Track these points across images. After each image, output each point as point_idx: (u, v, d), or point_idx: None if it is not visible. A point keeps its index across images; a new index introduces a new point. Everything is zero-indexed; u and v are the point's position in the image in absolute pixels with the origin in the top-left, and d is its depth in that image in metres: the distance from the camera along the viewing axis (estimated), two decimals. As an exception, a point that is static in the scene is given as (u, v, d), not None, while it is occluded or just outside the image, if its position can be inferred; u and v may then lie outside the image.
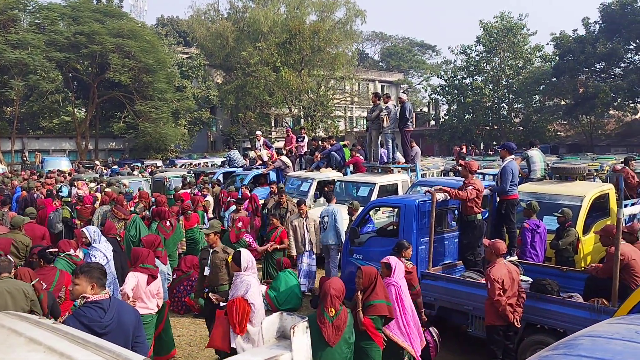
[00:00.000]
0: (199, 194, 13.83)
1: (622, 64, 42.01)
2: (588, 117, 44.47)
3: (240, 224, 9.07)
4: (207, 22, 47.19)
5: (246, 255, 5.81)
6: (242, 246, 8.78)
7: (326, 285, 5.23)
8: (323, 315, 5.10)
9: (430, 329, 6.68)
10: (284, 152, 17.18)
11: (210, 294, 6.69)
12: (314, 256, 10.17)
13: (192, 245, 10.81)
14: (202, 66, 49.51)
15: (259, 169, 16.68)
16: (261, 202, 12.86)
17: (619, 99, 40.67)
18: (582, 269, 7.68)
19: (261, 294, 5.90)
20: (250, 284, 5.63)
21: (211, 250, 6.84)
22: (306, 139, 18.25)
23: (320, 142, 16.75)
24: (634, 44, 41.04)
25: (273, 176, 16.10)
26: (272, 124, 49.26)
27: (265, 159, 17.22)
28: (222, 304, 6.21)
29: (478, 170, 14.56)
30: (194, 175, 18.33)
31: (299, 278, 9.64)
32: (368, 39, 79.37)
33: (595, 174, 13.20)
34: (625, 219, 8.19)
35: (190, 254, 10.12)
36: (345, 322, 5.11)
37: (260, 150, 18.09)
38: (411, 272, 6.50)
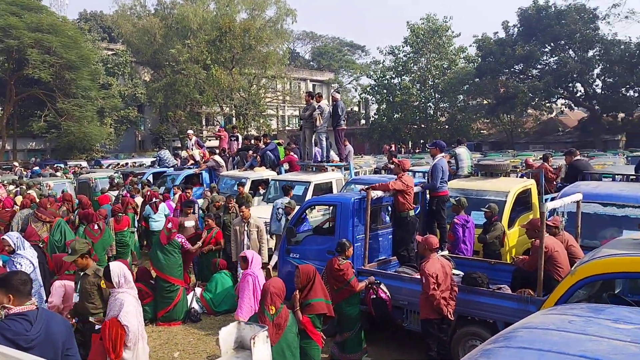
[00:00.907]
0: (128, 195, 13.35)
1: (539, 66, 44.48)
2: (508, 115, 46.76)
3: (170, 225, 8.75)
4: (133, 17, 45.66)
5: (117, 269, 5.32)
6: (175, 248, 8.54)
7: (266, 284, 5.22)
8: (263, 313, 5.08)
9: (382, 286, 6.83)
10: (217, 151, 16.91)
11: (90, 318, 5.83)
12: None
13: (123, 250, 10.42)
14: (129, 63, 47.84)
15: (190, 168, 16.31)
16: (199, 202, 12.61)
17: (536, 99, 43.06)
18: (511, 262, 8.02)
19: (140, 313, 5.45)
20: (123, 302, 5.17)
21: (82, 274, 5.96)
22: (240, 138, 18.06)
23: (253, 141, 16.63)
24: (549, 47, 43.54)
25: (206, 176, 15.80)
26: (203, 122, 48.37)
27: (198, 158, 16.87)
28: (97, 326, 5.65)
29: (410, 169, 14.97)
30: (122, 175, 17.68)
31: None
32: (299, 38, 79.63)
33: (518, 170, 13.90)
34: (547, 213, 8.62)
35: (121, 258, 9.75)
36: (287, 321, 5.10)
37: (192, 149, 17.70)
38: (342, 270, 6.54)
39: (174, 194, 13.08)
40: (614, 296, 5.09)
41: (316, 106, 13.40)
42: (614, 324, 2.52)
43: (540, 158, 14.09)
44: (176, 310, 8.41)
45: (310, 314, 5.51)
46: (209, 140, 41.43)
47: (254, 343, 4.26)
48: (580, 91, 44.21)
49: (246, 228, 9.21)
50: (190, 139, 18.29)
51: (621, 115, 42.92)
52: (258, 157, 15.25)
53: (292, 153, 15.22)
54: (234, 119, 43.44)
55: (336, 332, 6.85)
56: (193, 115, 45.05)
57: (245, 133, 35.56)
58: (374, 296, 6.77)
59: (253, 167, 14.92)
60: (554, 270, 6.30)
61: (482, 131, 51.38)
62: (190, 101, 42.44)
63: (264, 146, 15.73)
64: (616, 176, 9.40)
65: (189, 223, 9.93)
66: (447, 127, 48.64)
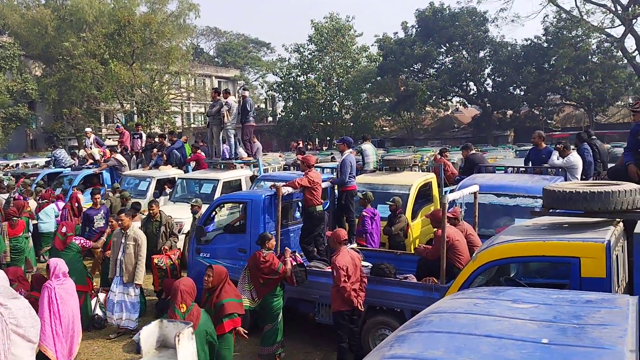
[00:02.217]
0: (21, 197, 12.43)
1: (436, 65, 46.71)
2: (409, 113, 48.75)
3: (64, 229, 8.18)
4: (21, 8, 42.38)
5: None
6: (73, 251, 8.06)
7: (176, 283, 5.14)
8: (174, 312, 4.99)
9: (296, 254, 7.27)
10: (118, 149, 16.19)
11: None
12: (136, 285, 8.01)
13: (17, 256, 9.70)
14: (17, 57, 44.28)
15: (90, 168, 15.48)
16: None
17: (434, 97, 45.23)
18: (414, 251, 8.39)
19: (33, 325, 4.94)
20: None
21: None
22: (144, 136, 17.44)
23: (158, 139, 16.11)
24: (444, 47, 45.87)
25: (107, 176, 15.07)
26: (102, 120, 45.99)
27: (97, 157, 16.04)
28: None
29: (317, 164, 15.22)
30: (12, 177, 16.40)
31: (111, 313, 7.91)
32: (203, 34, 77.90)
33: (418, 164, 14.62)
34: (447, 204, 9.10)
35: (15, 265, 9.07)
36: (199, 318, 5.01)
37: (90, 148, 16.80)
38: (268, 261, 6.66)
39: (72, 196, 12.39)
40: (510, 280, 5.50)
41: (223, 103, 13.24)
42: (513, 304, 2.74)
43: (438, 153, 14.85)
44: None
45: (222, 314, 5.46)
46: (109, 138, 39.46)
47: (178, 340, 4.14)
48: (473, 90, 47.01)
49: (123, 240, 7.88)
50: (89, 137, 17.36)
51: (509, 112, 46.17)
52: (164, 155, 14.81)
53: (199, 151, 14.95)
54: (135, 116, 41.71)
55: (257, 326, 6.90)
56: (91, 113, 42.68)
57: (148, 131, 34.31)
58: (295, 262, 6.99)
59: (158, 166, 14.48)
60: (455, 258, 6.68)
61: (384, 128, 53.14)
62: (87, 97, 40.21)
63: (169, 144, 15.31)
64: (508, 168, 10.11)
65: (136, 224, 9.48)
66: (351, 124, 49.80)
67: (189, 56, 44.86)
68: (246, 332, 5.95)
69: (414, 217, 9.95)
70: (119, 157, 15.47)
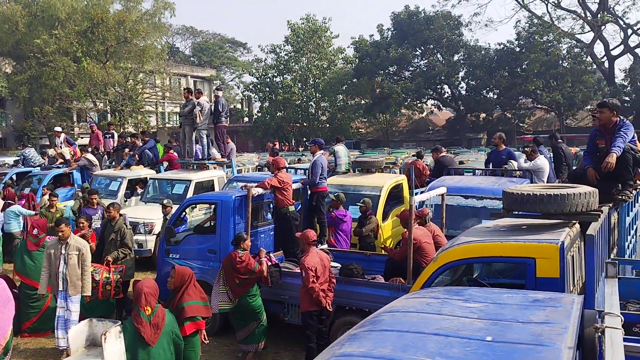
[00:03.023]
0: (-13, 197, 12.20)
1: (411, 68, 47.18)
2: (384, 115, 49.08)
3: (35, 231, 8.03)
4: (-9, 3, 41.45)
5: None
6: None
7: (139, 285, 5.09)
8: (139, 315, 4.93)
9: (271, 255, 7.34)
10: (89, 149, 15.99)
11: None
12: (76, 299, 7.15)
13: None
14: (-14, 53, 43.37)
15: (60, 167, 15.25)
16: (69, 203, 11.87)
17: (409, 99, 45.65)
18: (381, 251, 8.52)
19: None
20: None
21: None
22: (115, 136, 17.23)
23: (129, 139, 15.97)
24: (419, 50, 46.34)
25: (77, 176, 14.86)
26: (75, 119, 45.22)
27: (68, 157, 15.81)
28: None
29: (291, 166, 15.28)
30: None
31: (56, 330, 7.12)
32: (178, 33, 77.13)
33: (392, 166, 14.75)
34: (416, 205, 9.25)
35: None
36: (164, 320, 5.01)
37: (61, 147, 16.55)
38: (244, 261, 6.73)
39: (43, 195, 12.23)
40: (473, 280, 5.64)
41: (196, 103, 13.19)
42: (464, 303, 2.83)
43: (413, 155, 15.03)
44: (44, 319, 7.85)
45: (186, 317, 5.46)
46: (82, 137, 38.83)
47: (104, 339, 4.12)
48: (448, 92, 47.58)
49: (63, 251, 7.10)
50: (59, 137, 17.10)
51: (482, 115, 46.84)
52: (136, 155, 14.69)
53: (172, 151, 14.86)
54: (109, 115, 41.13)
55: (239, 326, 6.94)
56: (63, 111, 41.90)
57: (121, 130, 33.89)
58: (270, 263, 7.08)
59: (130, 166, 14.35)
60: (422, 259, 6.80)
61: (360, 130, 53.42)
62: (59, 96, 39.46)
63: (141, 144, 15.18)
64: (476, 171, 10.32)
65: None
66: (327, 125, 49.95)
67: (164, 55, 44.42)
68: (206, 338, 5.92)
69: (384, 218, 10.06)
70: (90, 156, 15.26)
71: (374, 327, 2.54)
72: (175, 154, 14.69)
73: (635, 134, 6.27)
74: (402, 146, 45.23)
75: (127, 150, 15.22)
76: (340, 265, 7.57)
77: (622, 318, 2.47)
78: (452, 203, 8.85)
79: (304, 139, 49.96)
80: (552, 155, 10.94)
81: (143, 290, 5.00)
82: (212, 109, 13.35)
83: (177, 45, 78.70)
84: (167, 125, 54.79)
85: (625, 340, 3.54)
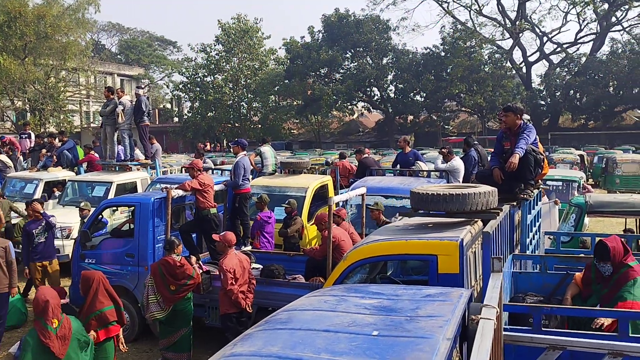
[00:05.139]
0: None
1: (341, 70, 47.83)
2: (316, 116, 49.49)
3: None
4: None
5: None
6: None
7: (41, 297, 4.74)
8: (46, 329, 4.66)
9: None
10: (3, 150, 15.17)
11: None
12: None
13: None
14: None
15: (-32, 170, 14.36)
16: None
17: (340, 101, 46.27)
18: (301, 251, 8.62)
19: None
20: None
21: None
22: (32, 136, 16.44)
23: (47, 139, 15.29)
24: (350, 53, 47.07)
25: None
26: (-11, 118, 42.61)
27: (-22, 158, 14.91)
28: None
29: (216, 167, 15.17)
30: None
31: None
32: (104, 30, 74.24)
33: (324, 167, 14.99)
34: (340, 204, 9.41)
35: None
36: (71, 330, 4.83)
37: (-30, 148, 15.58)
38: (183, 265, 6.60)
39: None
40: (385, 277, 5.82)
41: (118, 102, 12.81)
42: (360, 300, 2.94)
43: (336, 158, 15.29)
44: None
45: (100, 325, 5.32)
46: (-3, 137, 36.58)
47: None
48: (377, 95, 48.60)
49: None
50: (-31, 137, 16.11)
51: (410, 117, 48.21)
52: (53, 156, 14.10)
53: (92, 152, 14.37)
54: (28, 114, 39.05)
55: (167, 333, 6.75)
56: (-24, 110, 39.45)
57: (42, 130, 32.27)
58: (201, 270, 6.98)
59: (47, 167, 13.75)
60: (340, 257, 6.93)
61: (292, 131, 53.57)
62: (-28, 93, 37.11)
63: (60, 144, 14.57)
64: (397, 172, 10.67)
65: None
66: (260, 126, 49.74)
67: (88, 52, 42.68)
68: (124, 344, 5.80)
69: (310, 219, 10.17)
70: (4, 157, 14.50)
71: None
72: (96, 154, 14.22)
73: (537, 137, 6.69)
74: (334, 147, 45.73)
75: (44, 151, 14.59)
76: (261, 266, 7.59)
77: (498, 310, 2.65)
78: (372, 203, 9.08)
79: (236, 140, 49.46)
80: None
81: (49, 302, 4.71)
82: (134, 108, 13.01)
83: (103, 42, 75.87)
84: (92, 125, 52.67)
85: (514, 330, 3.80)
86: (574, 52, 45.72)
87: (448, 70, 43.22)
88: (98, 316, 5.28)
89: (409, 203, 8.65)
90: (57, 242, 10.10)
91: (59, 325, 4.72)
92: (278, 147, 34.30)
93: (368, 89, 47.58)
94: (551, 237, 7.95)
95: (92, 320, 5.24)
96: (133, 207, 8.13)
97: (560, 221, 9.30)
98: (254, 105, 51.19)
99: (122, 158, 13.18)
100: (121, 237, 8.10)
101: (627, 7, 41.29)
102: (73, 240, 10.45)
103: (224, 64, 49.30)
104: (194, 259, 7.09)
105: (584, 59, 44.03)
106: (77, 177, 12.96)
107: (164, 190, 7.90)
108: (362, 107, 51.77)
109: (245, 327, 6.80)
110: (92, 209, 9.26)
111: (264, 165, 12.62)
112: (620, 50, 43.06)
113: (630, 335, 3.90)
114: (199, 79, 49.88)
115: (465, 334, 2.82)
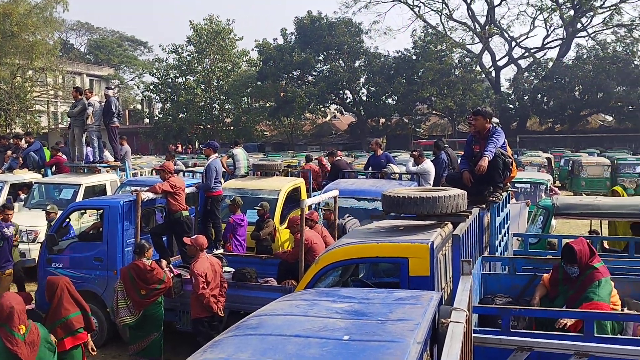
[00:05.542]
0: None
1: (314, 73, 47.94)
2: (289, 118, 49.44)
3: None
4: None
5: None
6: None
7: (6, 303, 4.57)
8: (13, 335, 4.51)
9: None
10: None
11: None
12: None
13: None
14: None
15: None
16: None
17: (312, 104, 46.33)
18: (273, 255, 8.60)
19: None
20: None
21: None
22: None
23: (12, 140, 14.91)
24: (322, 55, 47.19)
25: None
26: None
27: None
28: None
29: (188, 169, 15.03)
30: None
31: None
32: (73, 29, 72.82)
33: (296, 169, 14.95)
34: (312, 207, 9.42)
35: None
36: (39, 335, 4.70)
37: None
38: (154, 269, 6.51)
39: None
40: (357, 280, 5.85)
41: (86, 103, 12.57)
42: (332, 304, 2.94)
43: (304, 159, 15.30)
44: None
45: (67, 332, 5.20)
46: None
47: None
48: (349, 98, 48.77)
49: None
50: None
51: (382, 120, 48.55)
52: (19, 157, 13.78)
53: (60, 153, 14.08)
54: (-6, 114, 38.07)
55: (138, 338, 6.63)
56: (-63, 110, 38.25)
57: (7, 131, 31.46)
58: (173, 274, 6.92)
59: (12, 169, 13.43)
60: (313, 260, 6.93)
61: (265, 132, 53.40)
62: None
63: (26, 145, 14.24)
64: (368, 174, 10.74)
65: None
66: (232, 128, 49.44)
67: (56, 52, 41.83)
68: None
69: (282, 221, 10.13)
70: (-35, 160, 14.10)
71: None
72: (63, 156, 13.94)
73: (506, 140, 6.81)
74: (307, 149, 45.72)
75: (9, 152, 14.26)
76: (233, 270, 7.54)
77: (467, 313, 2.69)
78: (345, 205, 9.12)
79: (208, 141, 49.02)
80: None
81: (15, 308, 4.55)
82: (102, 109, 12.79)
83: (72, 41, 74.46)
84: (60, 126, 51.60)
85: (483, 332, 3.86)
86: (541, 57, 46.79)
87: (419, 74, 43.67)
88: (64, 324, 5.15)
89: (381, 206, 8.85)
90: (23, 247, 9.90)
91: (27, 331, 4.59)
92: (251, 149, 34.15)
93: (340, 92, 47.74)
94: (519, 238, 8.09)
95: (58, 327, 5.11)
96: (102, 210, 8.00)
97: (528, 223, 9.48)
98: (227, 107, 50.86)
99: (91, 160, 12.95)
100: (89, 240, 7.96)
101: (592, 13, 42.51)
102: (39, 244, 10.22)
103: (196, 65, 48.87)
104: (164, 262, 7.00)
105: (550, 63, 45.04)
106: (44, 180, 12.73)
107: (134, 192, 7.78)
108: (335, 109, 51.90)
109: (217, 331, 6.75)
110: (60, 212, 9.09)
111: (236, 168, 12.57)
112: (585, 56, 44.20)
113: (596, 335, 4.00)
114: (170, 80, 49.33)
115: (436, 337, 2.84)
